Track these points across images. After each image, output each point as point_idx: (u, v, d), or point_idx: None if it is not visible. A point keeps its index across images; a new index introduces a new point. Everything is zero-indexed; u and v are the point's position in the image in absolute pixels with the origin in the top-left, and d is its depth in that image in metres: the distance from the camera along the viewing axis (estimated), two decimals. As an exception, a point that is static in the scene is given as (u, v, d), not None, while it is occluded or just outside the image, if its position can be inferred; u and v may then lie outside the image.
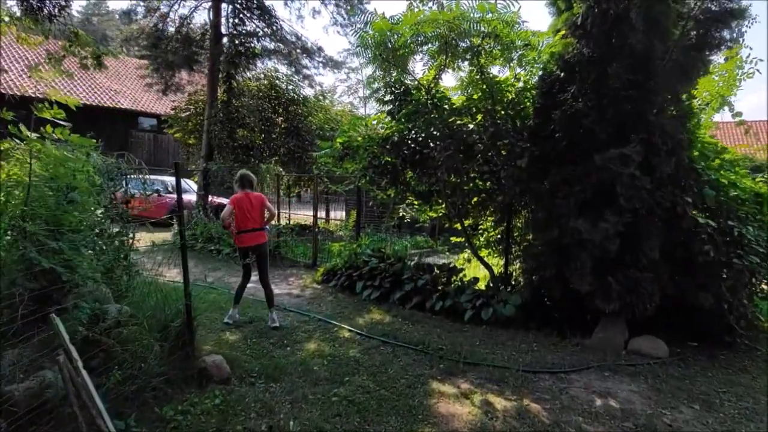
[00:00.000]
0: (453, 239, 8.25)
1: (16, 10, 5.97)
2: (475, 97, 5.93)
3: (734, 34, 4.55)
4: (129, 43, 19.54)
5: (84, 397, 2.22)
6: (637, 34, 4.33)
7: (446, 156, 5.50)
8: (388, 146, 6.15)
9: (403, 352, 4.36)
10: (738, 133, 20.89)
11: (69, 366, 2.23)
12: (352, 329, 4.96)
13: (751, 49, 6.89)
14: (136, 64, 21.32)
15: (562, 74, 4.90)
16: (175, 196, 3.79)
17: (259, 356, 4.10)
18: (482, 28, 5.14)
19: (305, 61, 14.92)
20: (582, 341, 4.74)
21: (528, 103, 5.66)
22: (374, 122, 6.85)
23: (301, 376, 3.72)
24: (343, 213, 13.51)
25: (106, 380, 2.68)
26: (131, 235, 3.94)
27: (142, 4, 13.68)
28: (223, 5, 12.50)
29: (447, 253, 9.71)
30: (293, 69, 14.41)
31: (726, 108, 5.68)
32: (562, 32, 4.86)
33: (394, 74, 6.04)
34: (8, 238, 2.83)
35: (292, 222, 10.88)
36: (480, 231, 6.93)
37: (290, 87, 13.88)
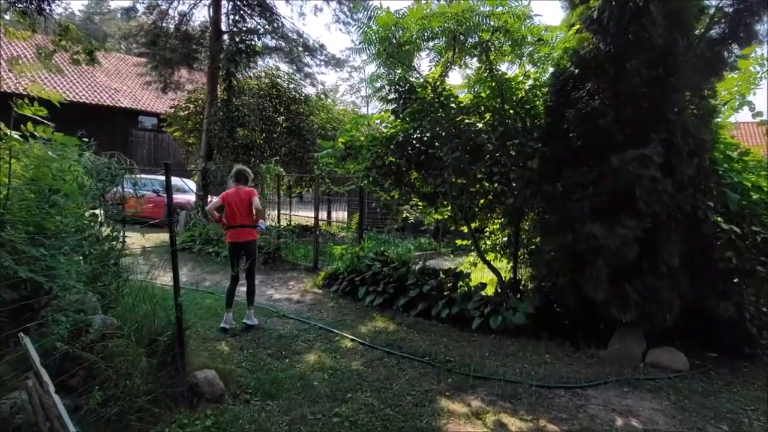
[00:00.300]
0: (458, 242, 8.01)
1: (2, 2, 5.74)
2: (483, 95, 5.68)
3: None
4: (128, 41, 19.32)
5: (56, 426, 1.99)
6: (658, 28, 4.09)
7: (453, 156, 5.26)
8: (392, 146, 5.90)
9: (409, 365, 4.12)
10: (758, 135, 20.37)
11: (39, 390, 2.00)
12: (355, 338, 4.72)
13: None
14: (135, 62, 21.09)
15: (577, 71, 4.66)
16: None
17: (255, 369, 3.86)
18: (492, 23, 4.90)
19: (307, 59, 14.66)
20: (597, 352, 4.50)
21: (539, 102, 5.42)
22: (377, 121, 6.60)
23: (300, 392, 3.48)
24: (345, 214, 13.26)
25: (86, 402, 2.44)
26: (120, 239, 3.71)
27: (142, 1, 13.48)
28: (224, 2, 12.27)
29: (451, 256, 9.47)
30: (294, 67, 14.12)
31: (746, 107, 5.44)
32: (577, 27, 4.61)
33: (399, 71, 5.81)
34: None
35: (293, 223, 10.64)
36: (486, 234, 6.70)
37: (291, 85, 13.62)
